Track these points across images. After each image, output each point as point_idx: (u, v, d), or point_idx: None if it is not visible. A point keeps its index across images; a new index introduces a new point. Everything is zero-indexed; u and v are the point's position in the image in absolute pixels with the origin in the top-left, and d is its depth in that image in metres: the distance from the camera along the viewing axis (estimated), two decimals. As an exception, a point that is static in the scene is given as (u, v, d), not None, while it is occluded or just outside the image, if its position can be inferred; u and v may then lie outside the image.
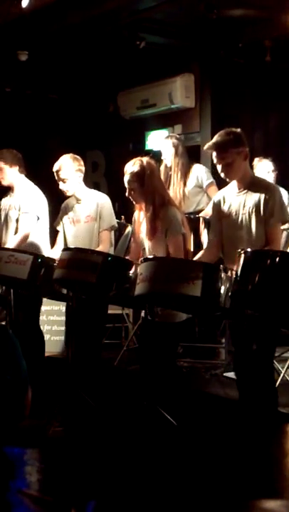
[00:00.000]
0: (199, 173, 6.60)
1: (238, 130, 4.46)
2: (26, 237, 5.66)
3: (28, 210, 5.69)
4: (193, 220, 6.16)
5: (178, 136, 6.90)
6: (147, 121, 9.04)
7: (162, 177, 6.56)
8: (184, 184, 6.57)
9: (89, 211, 5.46)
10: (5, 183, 5.81)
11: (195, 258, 4.64)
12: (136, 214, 4.93)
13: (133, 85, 8.88)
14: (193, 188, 6.61)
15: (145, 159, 4.77)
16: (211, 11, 6.84)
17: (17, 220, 5.74)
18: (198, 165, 6.73)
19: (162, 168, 6.57)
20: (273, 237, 4.27)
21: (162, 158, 6.67)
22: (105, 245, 5.38)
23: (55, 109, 9.54)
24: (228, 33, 7.66)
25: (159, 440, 4.22)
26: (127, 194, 4.79)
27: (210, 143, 4.42)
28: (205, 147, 4.50)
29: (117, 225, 5.57)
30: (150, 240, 4.71)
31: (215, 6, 6.83)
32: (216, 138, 4.41)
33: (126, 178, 4.76)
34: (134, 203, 4.86)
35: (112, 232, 5.56)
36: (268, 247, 4.24)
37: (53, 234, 5.76)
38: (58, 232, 5.66)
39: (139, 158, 4.80)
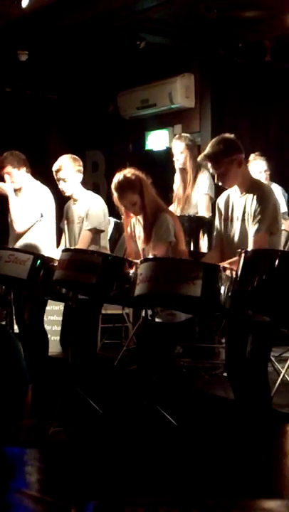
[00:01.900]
0: (201, 182, 6.47)
1: (231, 136, 4.40)
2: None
3: (41, 210, 5.70)
4: (193, 219, 6.16)
5: (191, 137, 6.76)
6: (147, 121, 9.04)
7: (179, 178, 6.48)
8: (193, 186, 6.49)
9: (81, 212, 5.47)
10: (16, 186, 5.82)
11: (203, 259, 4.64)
12: (125, 220, 4.90)
13: (133, 85, 8.88)
14: (193, 194, 6.56)
15: (130, 171, 4.73)
16: (211, 10, 6.85)
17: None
18: (204, 175, 6.54)
19: (176, 166, 6.46)
20: (255, 244, 4.16)
21: (174, 159, 6.48)
22: (82, 245, 5.32)
23: (55, 109, 9.54)
24: (228, 33, 7.66)
25: (159, 440, 4.22)
26: (125, 209, 4.74)
27: (202, 154, 4.41)
28: (198, 159, 4.50)
29: (103, 230, 5.48)
30: (145, 246, 4.71)
31: (215, 6, 6.83)
32: (207, 149, 4.37)
33: (121, 195, 4.70)
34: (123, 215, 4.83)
35: (108, 232, 5.56)
36: None
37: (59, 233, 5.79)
38: (62, 231, 5.69)
39: (123, 172, 4.74)
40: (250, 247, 4.15)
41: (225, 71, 8.37)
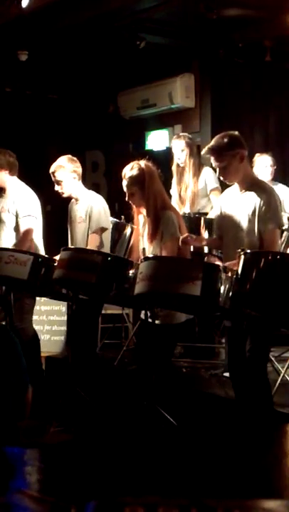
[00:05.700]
0: (207, 176, 6.54)
1: (236, 133, 4.48)
2: (30, 239, 5.67)
3: (28, 212, 5.69)
4: (193, 219, 6.16)
5: (190, 136, 6.84)
6: (147, 121, 9.04)
7: (175, 177, 6.55)
8: (195, 184, 6.53)
9: (82, 212, 5.47)
10: None
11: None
12: (136, 217, 4.92)
13: (133, 85, 8.88)
14: (201, 190, 6.60)
15: (143, 162, 4.74)
16: (211, 10, 6.85)
17: (11, 223, 5.74)
18: (207, 168, 6.61)
19: (174, 167, 6.56)
20: (269, 242, 4.24)
21: (175, 158, 6.56)
22: (90, 248, 5.32)
23: (55, 109, 9.54)
24: (228, 33, 7.67)
25: (158, 440, 4.22)
26: (127, 198, 4.78)
27: (206, 148, 4.47)
28: (202, 152, 4.55)
29: (107, 227, 5.51)
30: (150, 243, 4.71)
31: (215, 6, 6.83)
32: (211, 142, 4.45)
33: (125, 183, 4.73)
34: (133, 206, 4.85)
35: (109, 231, 5.56)
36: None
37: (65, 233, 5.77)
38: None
39: (136, 161, 4.77)
40: (264, 245, 4.23)
41: (225, 71, 8.37)
